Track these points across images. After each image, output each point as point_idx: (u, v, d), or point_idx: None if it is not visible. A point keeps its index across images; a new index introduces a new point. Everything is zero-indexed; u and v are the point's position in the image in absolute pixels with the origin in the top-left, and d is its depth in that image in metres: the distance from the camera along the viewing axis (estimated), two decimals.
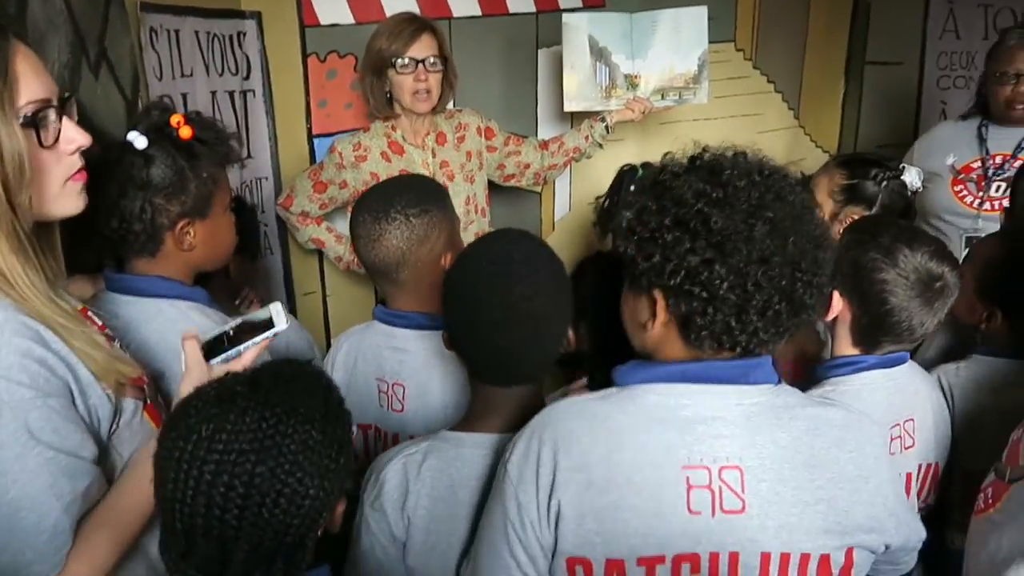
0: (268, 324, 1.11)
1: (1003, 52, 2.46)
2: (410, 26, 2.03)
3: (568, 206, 2.96)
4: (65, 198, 1.00)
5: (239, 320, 1.13)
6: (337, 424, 0.90)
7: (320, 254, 2.52)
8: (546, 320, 1.09)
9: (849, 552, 0.95)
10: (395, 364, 1.40)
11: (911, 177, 1.75)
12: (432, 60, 2.04)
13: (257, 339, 1.10)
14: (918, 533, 1.07)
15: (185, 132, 1.21)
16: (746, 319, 0.91)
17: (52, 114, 0.96)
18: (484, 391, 1.13)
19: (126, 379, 1.04)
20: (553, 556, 0.94)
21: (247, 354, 1.10)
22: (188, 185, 1.22)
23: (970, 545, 1.06)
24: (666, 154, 1.00)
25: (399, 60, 2.01)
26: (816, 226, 0.95)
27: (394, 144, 2.15)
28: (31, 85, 0.93)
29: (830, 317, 1.36)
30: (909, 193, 1.77)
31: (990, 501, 1.05)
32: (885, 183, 1.73)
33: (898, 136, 3.43)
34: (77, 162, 1.01)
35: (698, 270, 0.90)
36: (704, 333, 0.93)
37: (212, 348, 1.09)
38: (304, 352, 1.53)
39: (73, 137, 0.99)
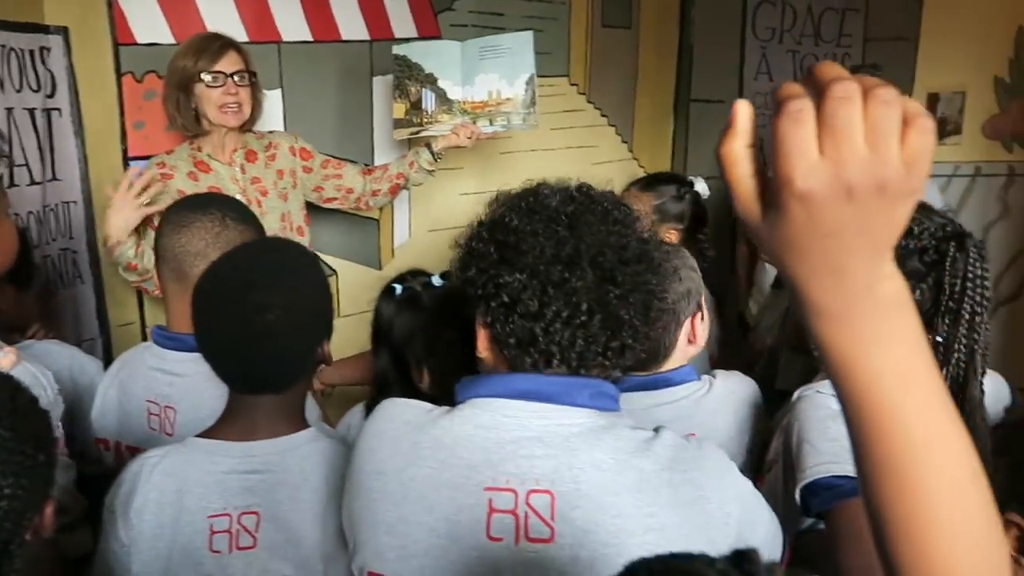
0: None
1: None
2: (216, 42, 2.04)
3: (408, 233, 2.96)
4: None
5: None
6: (30, 421, 0.87)
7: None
8: (286, 334, 1.05)
9: None
10: (165, 387, 1.35)
11: (701, 187, 1.89)
12: (241, 74, 2.04)
13: None
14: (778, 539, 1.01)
15: None
16: (549, 327, 0.87)
17: None
18: (232, 396, 1.12)
19: None
20: (361, 570, 0.91)
21: None
22: None
23: None
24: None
25: (207, 75, 2.00)
26: (640, 247, 0.91)
27: (200, 163, 2.09)
28: None
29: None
30: (702, 200, 1.92)
31: None
32: (685, 196, 1.86)
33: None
34: None
35: (499, 274, 0.88)
36: (512, 342, 0.89)
37: None
38: (93, 374, 1.48)
39: None
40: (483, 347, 0.94)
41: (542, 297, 0.87)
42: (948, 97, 3.54)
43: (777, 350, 1.73)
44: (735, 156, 0.49)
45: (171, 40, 2.29)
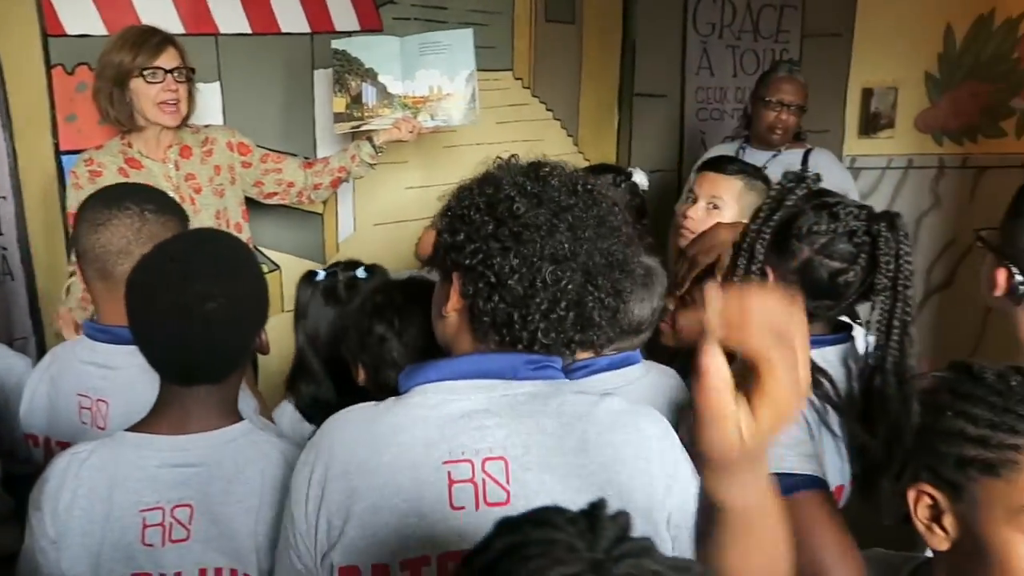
0: None
1: (772, 81, 2.78)
2: (154, 37, 2.01)
3: (353, 227, 2.94)
4: None
5: None
6: None
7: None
8: (226, 324, 1.06)
9: None
10: (98, 380, 1.33)
11: (639, 178, 1.93)
12: (179, 71, 2.02)
13: None
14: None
15: None
16: (528, 316, 0.90)
17: None
18: (165, 388, 1.11)
19: None
20: (331, 567, 0.92)
21: None
22: None
23: None
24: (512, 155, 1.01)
25: (146, 71, 1.97)
26: (623, 252, 0.95)
27: (131, 160, 2.06)
28: None
29: None
30: (641, 192, 1.95)
31: None
32: (621, 185, 1.90)
33: (666, 162, 3.74)
34: None
35: (493, 254, 0.90)
36: (486, 320, 0.92)
37: None
38: (20, 373, 1.46)
39: None
40: (451, 307, 0.96)
41: (529, 288, 0.90)
42: (881, 92, 3.65)
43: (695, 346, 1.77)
44: (721, 409, 0.66)
45: (103, 32, 2.24)
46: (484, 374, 0.94)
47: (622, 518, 0.56)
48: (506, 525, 0.58)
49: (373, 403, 0.98)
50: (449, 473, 0.90)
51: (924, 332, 3.66)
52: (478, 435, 0.91)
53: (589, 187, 0.95)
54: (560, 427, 0.92)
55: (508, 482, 0.90)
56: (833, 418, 1.20)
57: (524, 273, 0.89)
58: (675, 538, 0.93)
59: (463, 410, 0.92)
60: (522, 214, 0.90)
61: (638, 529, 0.87)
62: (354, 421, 0.96)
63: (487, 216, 0.92)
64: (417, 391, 0.95)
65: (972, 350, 3.59)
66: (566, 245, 0.90)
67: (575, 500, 0.84)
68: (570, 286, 0.90)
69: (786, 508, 1.03)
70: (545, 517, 0.57)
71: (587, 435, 0.92)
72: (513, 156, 1.00)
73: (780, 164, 2.66)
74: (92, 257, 1.31)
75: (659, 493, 0.92)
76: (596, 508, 0.56)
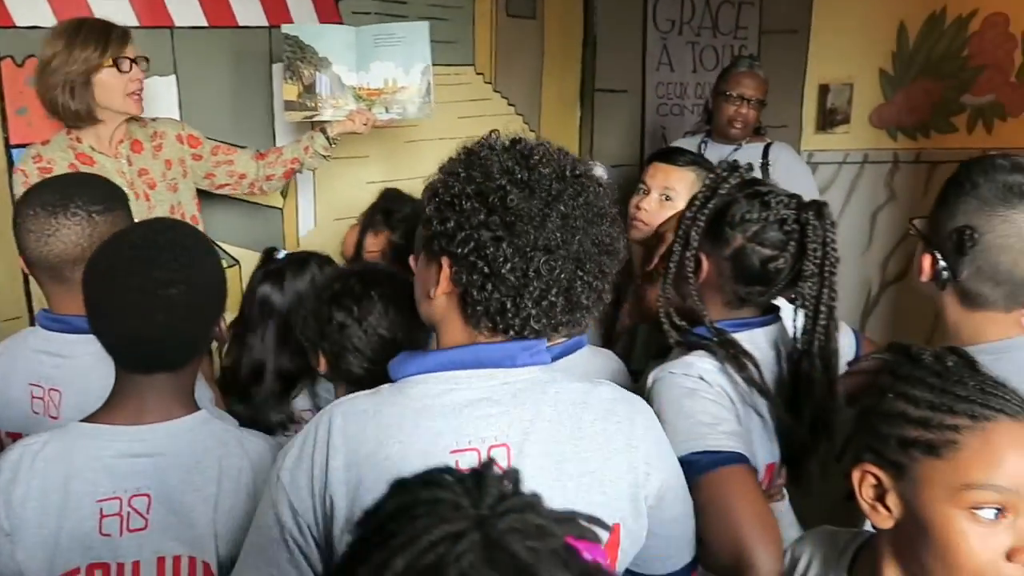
0: None
1: (732, 76, 2.81)
2: (115, 29, 1.99)
3: (313, 222, 2.93)
4: None
5: None
6: None
7: (26, 274, 2.29)
8: (187, 309, 1.07)
9: (615, 528, 0.95)
10: (51, 369, 1.33)
11: (598, 171, 1.93)
12: (140, 61, 2.01)
13: None
14: (689, 519, 1.07)
15: None
16: (521, 304, 0.92)
17: None
18: (122, 377, 1.10)
19: None
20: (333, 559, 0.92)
21: None
22: None
23: None
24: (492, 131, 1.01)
25: (120, 60, 1.95)
26: (609, 234, 0.97)
27: (82, 156, 2.03)
28: None
29: None
30: None
31: None
32: None
33: (627, 157, 3.76)
34: None
35: (485, 244, 0.91)
36: (479, 309, 0.93)
37: None
38: None
39: None
40: (441, 291, 0.97)
41: (522, 278, 0.91)
42: (837, 88, 3.72)
43: (635, 329, 1.80)
44: None
45: (53, 23, 2.20)
46: (482, 363, 0.96)
47: (511, 475, 0.57)
48: (398, 486, 0.60)
49: (370, 392, 0.98)
50: (457, 462, 0.91)
51: (880, 322, 3.74)
52: (483, 424, 0.93)
53: (577, 172, 0.96)
54: (557, 414, 0.95)
55: (509, 467, 0.91)
56: (760, 400, 1.23)
57: (517, 263, 0.91)
58: (651, 518, 0.99)
59: (466, 399, 0.94)
60: (514, 205, 0.90)
61: (623, 510, 0.95)
62: (355, 413, 0.95)
63: (478, 204, 0.92)
64: (416, 380, 0.96)
65: (927, 339, 3.68)
66: (558, 235, 0.91)
67: (569, 485, 0.91)
68: (562, 275, 0.92)
69: (708, 483, 1.08)
70: (434, 477, 0.58)
71: (582, 422, 0.96)
72: (494, 132, 1.00)
73: (741, 157, 2.69)
74: (47, 267, 1.32)
75: (641, 478, 0.98)
76: (484, 467, 0.58)
